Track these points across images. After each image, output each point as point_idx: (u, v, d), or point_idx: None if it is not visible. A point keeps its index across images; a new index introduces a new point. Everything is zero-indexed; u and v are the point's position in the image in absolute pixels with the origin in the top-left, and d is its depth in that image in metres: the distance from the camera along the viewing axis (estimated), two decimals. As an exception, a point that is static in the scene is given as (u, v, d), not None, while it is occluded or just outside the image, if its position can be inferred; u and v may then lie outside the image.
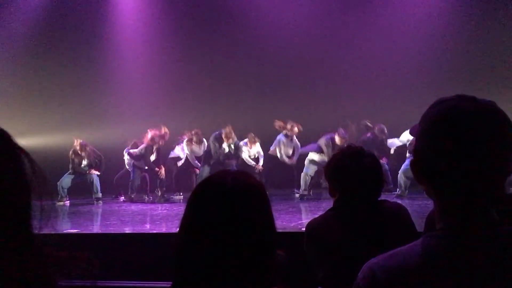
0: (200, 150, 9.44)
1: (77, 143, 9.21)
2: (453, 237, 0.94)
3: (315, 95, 10.25)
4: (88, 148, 9.28)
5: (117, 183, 9.82)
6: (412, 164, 1.01)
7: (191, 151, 9.43)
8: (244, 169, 9.01)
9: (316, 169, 8.72)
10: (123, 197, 9.63)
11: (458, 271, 0.91)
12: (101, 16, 11.63)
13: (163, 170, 9.29)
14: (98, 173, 9.30)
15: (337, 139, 8.70)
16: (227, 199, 1.15)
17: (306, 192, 8.71)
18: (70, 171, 9.22)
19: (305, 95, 10.32)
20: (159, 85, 10.99)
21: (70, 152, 9.28)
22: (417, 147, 1.01)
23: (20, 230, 0.71)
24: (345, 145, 8.41)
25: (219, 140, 9.02)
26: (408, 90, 9.53)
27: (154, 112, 10.16)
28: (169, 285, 1.19)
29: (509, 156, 0.94)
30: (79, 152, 9.20)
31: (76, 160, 9.22)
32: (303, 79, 10.66)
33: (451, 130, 0.94)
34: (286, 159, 9.33)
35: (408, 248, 0.96)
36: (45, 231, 0.74)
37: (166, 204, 8.65)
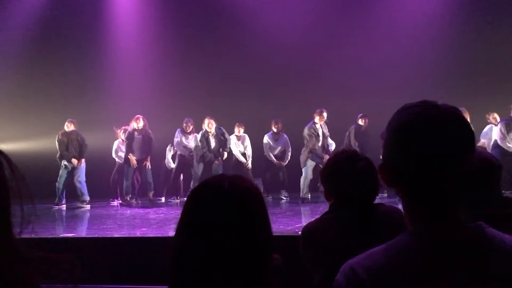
0: (189, 142, 9.42)
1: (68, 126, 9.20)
2: (418, 237, 0.98)
3: (314, 94, 10.24)
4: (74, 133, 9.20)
5: (113, 181, 9.78)
6: (379, 168, 1.06)
7: (181, 142, 9.44)
8: (236, 166, 9.10)
9: (314, 164, 8.70)
10: (119, 201, 9.59)
11: (422, 270, 0.95)
12: (100, 17, 11.63)
13: (148, 163, 9.24)
14: (82, 161, 9.16)
15: (316, 119, 8.69)
16: (223, 203, 1.15)
17: (307, 195, 8.70)
18: (57, 157, 9.10)
19: (303, 95, 10.32)
20: (157, 86, 10.98)
21: (58, 135, 9.22)
22: (384, 152, 1.05)
23: (1, 234, 0.70)
24: (324, 122, 8.29)
25: (206, 135, 9.04)
26: (408, 89, 9.49)
27: (153, 113, 10.12)
28: (165, 288, 1.20)
29: (471, 158, 0.99)
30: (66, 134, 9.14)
31: (64, 141, 9.11)
32: (301, 79, 10.67)
33: (414, 135, 0.99)
34: (274, 160, 9.34)
35: (383, 247, 1.01)
36: (26, 235, 0.73)
37: (163, 208, 8.62)
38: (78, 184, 9.07)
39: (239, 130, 9.43)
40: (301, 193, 8.70)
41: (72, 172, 9.11)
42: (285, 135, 9.49)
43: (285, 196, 9.21)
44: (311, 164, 8.72)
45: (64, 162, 9.07)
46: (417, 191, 1.00)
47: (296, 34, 10.60)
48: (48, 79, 11.14)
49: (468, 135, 1.00)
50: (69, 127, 9.23)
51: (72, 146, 9.14)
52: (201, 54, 11.05)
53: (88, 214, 8.21)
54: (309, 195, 8.85)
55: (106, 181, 9.86)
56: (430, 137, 0.97)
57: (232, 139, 9.38)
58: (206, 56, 11.03)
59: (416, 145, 0.98)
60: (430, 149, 0.97)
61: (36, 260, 0.73)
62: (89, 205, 9.01)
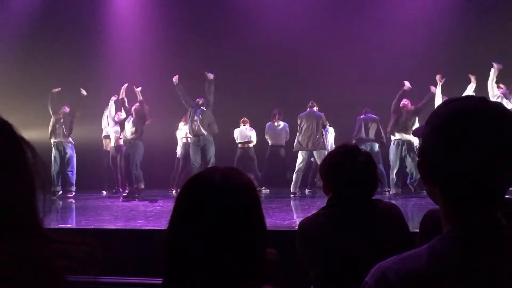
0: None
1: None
2: (460, 240, 0.93)
3: (314, 88, 10.24)
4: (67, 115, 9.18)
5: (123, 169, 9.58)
6: (419, 164, 0.99)
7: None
8: (241, 159, 9.13)
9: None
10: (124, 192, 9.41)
11: (465, 274, 0.90)
12: (97, 9, 11.60)
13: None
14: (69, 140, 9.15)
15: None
16: (215, 195, 1.13)
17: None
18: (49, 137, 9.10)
19: (305, 89, 10.32)
20: (155, 78, 10.96)
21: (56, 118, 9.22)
22: (424, 147, 0.99)
23: (30, 222, 0.70)
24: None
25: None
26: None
27: (153, 105, 10.10)
28: (160, 281, 1.18)
29: None
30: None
31: (53, 122, 9.11)
32: (301, 76, 10.66)
33: (461, 129, 0.92)
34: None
35: (417, 251, 0.95)
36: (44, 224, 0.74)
37: (159, 201, 8.58)
38: (68, 173, 8.99)
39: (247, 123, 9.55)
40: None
41: (63, 160, 9.03)
42: (284, 123, 9.51)
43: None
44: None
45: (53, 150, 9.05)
46: (458, 190, 0.93)
47: (299, 26, 10.58)
48: (46, 67, 11.11)
49: None
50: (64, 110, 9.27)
51: (59, 124, 9.12)
52: (200, 43, 11.04)
53: (82, 205, 8.17)
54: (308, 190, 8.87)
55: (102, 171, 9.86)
56: (476, 130, 0.91)
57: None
58: (206, 46, 11.01)
59: (460, 138, 0.91)
60: (476, 144, 0.90)
61: (59, 242, 0.74)
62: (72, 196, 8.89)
